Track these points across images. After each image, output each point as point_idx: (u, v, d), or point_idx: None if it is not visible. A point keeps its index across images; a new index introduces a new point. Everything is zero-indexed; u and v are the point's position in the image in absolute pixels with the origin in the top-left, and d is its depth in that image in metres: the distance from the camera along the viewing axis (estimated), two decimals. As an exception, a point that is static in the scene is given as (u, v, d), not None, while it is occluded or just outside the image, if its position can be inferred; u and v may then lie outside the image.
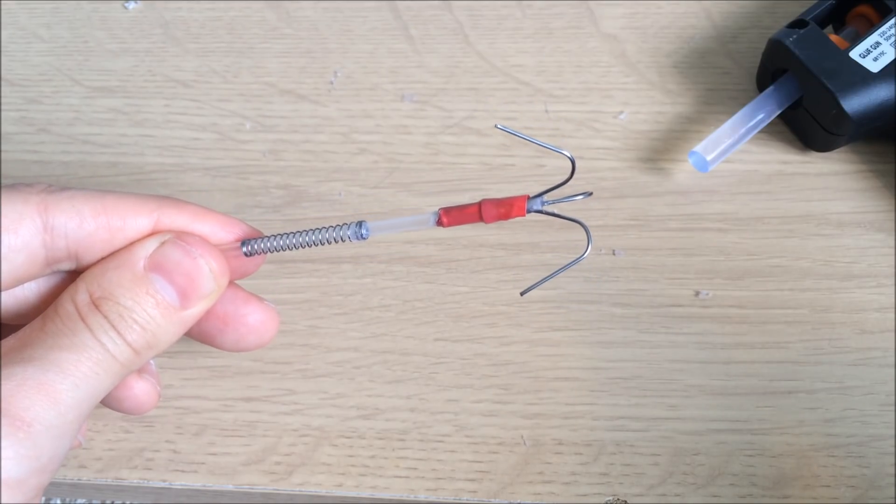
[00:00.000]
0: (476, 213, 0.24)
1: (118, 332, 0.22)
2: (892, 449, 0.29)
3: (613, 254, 0.33)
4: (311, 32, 0.40)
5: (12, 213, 0.22)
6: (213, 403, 0.31)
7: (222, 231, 0.25)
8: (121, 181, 0.36)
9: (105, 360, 0.22)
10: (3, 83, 0.39)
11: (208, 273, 0.24)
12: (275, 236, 0.26)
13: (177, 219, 0.24)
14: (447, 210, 0.25)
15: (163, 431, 0.30)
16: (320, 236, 0.25)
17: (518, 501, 0.29)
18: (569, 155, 0.24)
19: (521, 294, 0.26)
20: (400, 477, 0.29)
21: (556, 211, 0.24)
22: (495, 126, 0.26)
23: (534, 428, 0.30)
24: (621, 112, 0.37)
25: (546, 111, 0.37)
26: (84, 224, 0.23)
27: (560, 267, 0.25)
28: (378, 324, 0.32)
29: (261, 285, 0.32)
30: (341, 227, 0.25)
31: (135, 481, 0.29)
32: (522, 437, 0.30)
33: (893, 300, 0.31)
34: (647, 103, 0.37)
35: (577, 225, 0.25)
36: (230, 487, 0.29)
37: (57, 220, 0.23)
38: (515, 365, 0.31)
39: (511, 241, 0.33)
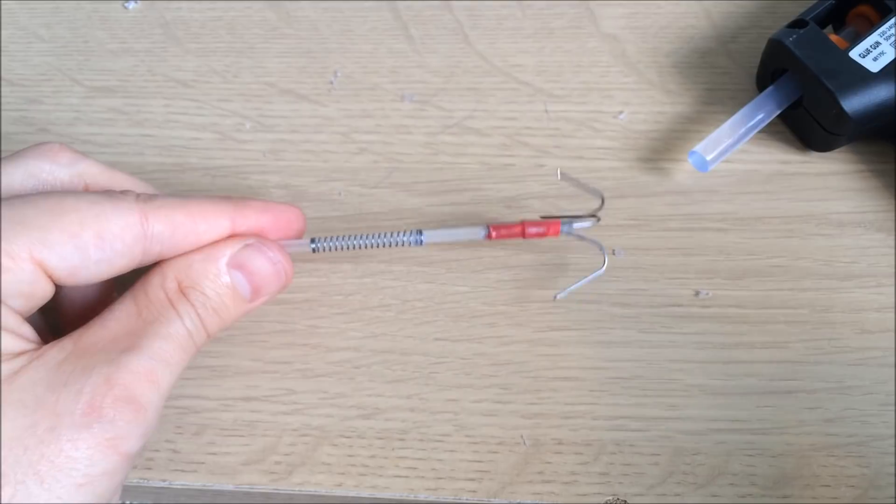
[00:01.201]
0: (520, 231, 0.30)
1: (200, 319, 0.26)
2: (892, 449, 0.29)
3: (613, 254, 0.33)
4: (311, 32, 0.40)
5: (121, 221, 0.25)
6: (213, 403, 0.31)
7: (283, 226, 0.29)
8: (121, 181, 0.36)
9: (188, 345, 0.25)
10: (3, 83, 0.39)
11: (282, 275, 0.28)
12: (339, 237, 0.29)
13: (249, 217, 0.27)
14: (496, 227, 0.30)
15: (163, 431, 0.30)
16: (381, 240, 0.30)
17: (518, 501, 0.29)
18: (601, 194, 0.31)
19: (555, 297, 0.32)
20: (400, 477, 0.29)
21: (580, 233, 0.31)
22: (559, 177, 0.31)
23: (534, 428, 0.30)
24: (621, 112, 0.37)
25: (546, 111, 0.37)
26: (177, 231, 0.26)
27: (586, 276, 0.31)
28: (378, 323, 0.32)
29: (261, 285, 0.32)
30: (401, 233, 0.30)
31: (135, 481, 0.29)
32: (522, 436, 0.30)
33: (893, 300, 0.31)
34: (647, 103, 0.37)
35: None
36: (230, 487, 0.29)
37: (155, 228, 0.25)
38: (515, 365, 0.31)
39: (511, 241, 0.33)
